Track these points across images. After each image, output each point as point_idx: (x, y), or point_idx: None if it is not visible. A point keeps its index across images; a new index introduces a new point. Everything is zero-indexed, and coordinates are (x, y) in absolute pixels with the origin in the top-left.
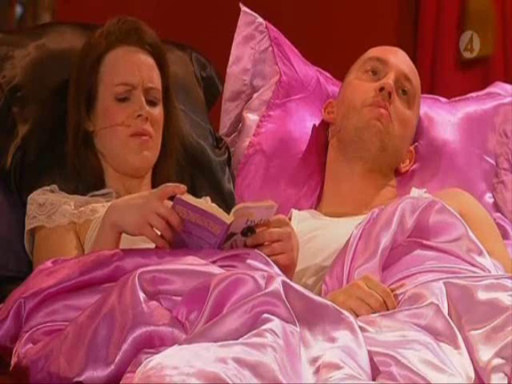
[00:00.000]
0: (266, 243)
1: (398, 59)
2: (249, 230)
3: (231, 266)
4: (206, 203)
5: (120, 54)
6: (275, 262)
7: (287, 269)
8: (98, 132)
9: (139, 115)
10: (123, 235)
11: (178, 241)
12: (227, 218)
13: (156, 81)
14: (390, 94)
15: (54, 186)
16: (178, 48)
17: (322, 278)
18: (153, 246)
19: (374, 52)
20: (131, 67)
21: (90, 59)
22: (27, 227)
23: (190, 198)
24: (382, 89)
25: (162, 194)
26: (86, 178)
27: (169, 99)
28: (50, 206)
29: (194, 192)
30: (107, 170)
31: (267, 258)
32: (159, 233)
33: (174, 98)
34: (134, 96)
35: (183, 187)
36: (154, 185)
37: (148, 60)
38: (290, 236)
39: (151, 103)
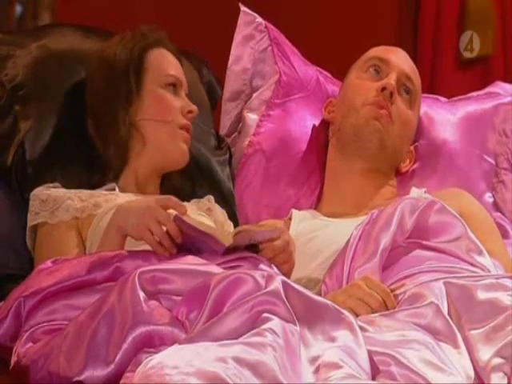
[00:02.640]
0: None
1: (400, 59)
2: (252, 247)
3: (236, 266)
4: (204, 224)
5: (163, 53)
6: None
7: (288, 275)
8: (143, 121)
9: (190, 111)
10: (128, 239)
11: (177, 252)
12: (226, 241)
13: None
14: (391, 93)
15: (57, 184)
16: (181, 54)
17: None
18: None
19: (375, 52)
20: (175, 66)
21: (134, 54)
22: (30, 223)
23: (189, 218)
24: (383, 89)
25: (164, 204)
26: (116, 165)
27: None
28: (53, 202)
29: (194, 193)
30: (131, 162)
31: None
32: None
33: None
34: (180, 93)
35: (184, 208)
36: (161, 191)
37: (180, 66)
38: (289, 243)
39: None
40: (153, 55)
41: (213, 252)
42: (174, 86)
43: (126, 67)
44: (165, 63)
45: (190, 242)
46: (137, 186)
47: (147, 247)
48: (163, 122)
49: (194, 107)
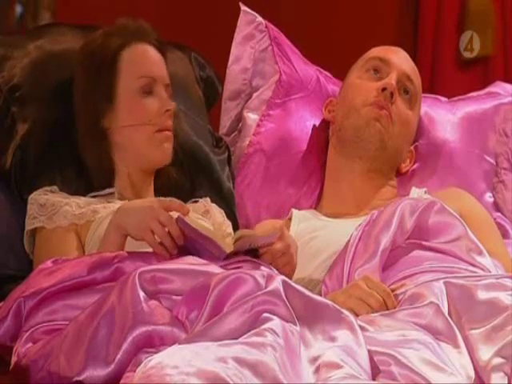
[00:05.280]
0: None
1: (400, 59)
2: (252, 251)
3: (236, 267)
4: (206, 228)
5: (138, 49)
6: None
7: (289, 276)
8: (120, 129)
9: (167, 110)
10: (130, 240)
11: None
12: (227, 246)
13: (168, 78)
14: (392, 94)
15: (55, 187)
16: (177, 48)
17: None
18: None
19: (376, 52)
20: (150, 62)
21: (107, 56)
22: (27, 227)
23: (192, 221)
24: (384, 89)
25: (167, 205)
26: (97, 177)
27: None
28: (51, 207)
29: (194, 191)
30: (118, 168)
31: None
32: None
33: (173, 97)
34: (156, 91)
35: (187, 209)
36: (156, 186)
37: (160, 57)
38: (289, 246)
39: None
40: (126, 55)
41: (213, 258)
42: (148, 87)
43: (99, 72)
44: (138, 63)
45: (190, 244)
46: (132, 189)
47: (148, 249)
48: (140, 127)
49: (172, 104)
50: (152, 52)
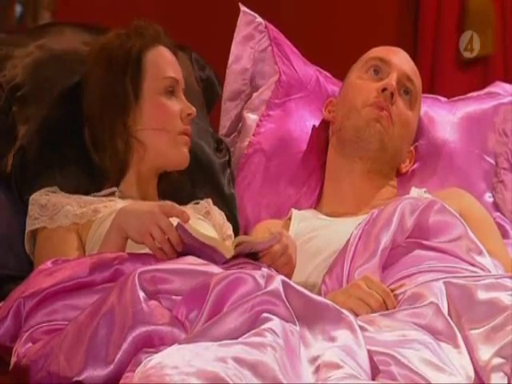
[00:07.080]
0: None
1: (401, 59)
2: (252, 254)
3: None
4: (206, 235)
5: (159, 51)
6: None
7: (288, 276)
8: (144, 130)
9: (189, 114)
10: (130, 241)
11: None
12: (227, 252)
13: (183, 82)
14: (392, 94)
15: (56, 188)
16: (178, 48)
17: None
18: None
19: (376, 52)
20: (170, 64)
21: (132, 55)
22: (28, 228)
23: (191, 228)
24: (384, 89)
25: (167, 211)
26: (106, 177)
27: None
28: (52, 207)
29: (195, 193)
30: (129, 168)
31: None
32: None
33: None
34: (177, 93)
35: (187, 216)
36: (159, 189)
37: (176, 61)
38: (288, 246)
39: None
40: (150, 56)
41: (213, 262)
42: (171, 88)
43: (124, 72)
44: (162, 64)
45: (190, 250)
46: (138, 188)
47: (148, 251)
48: (163, 130)
49: (193, 109)
50: (170, 55)
